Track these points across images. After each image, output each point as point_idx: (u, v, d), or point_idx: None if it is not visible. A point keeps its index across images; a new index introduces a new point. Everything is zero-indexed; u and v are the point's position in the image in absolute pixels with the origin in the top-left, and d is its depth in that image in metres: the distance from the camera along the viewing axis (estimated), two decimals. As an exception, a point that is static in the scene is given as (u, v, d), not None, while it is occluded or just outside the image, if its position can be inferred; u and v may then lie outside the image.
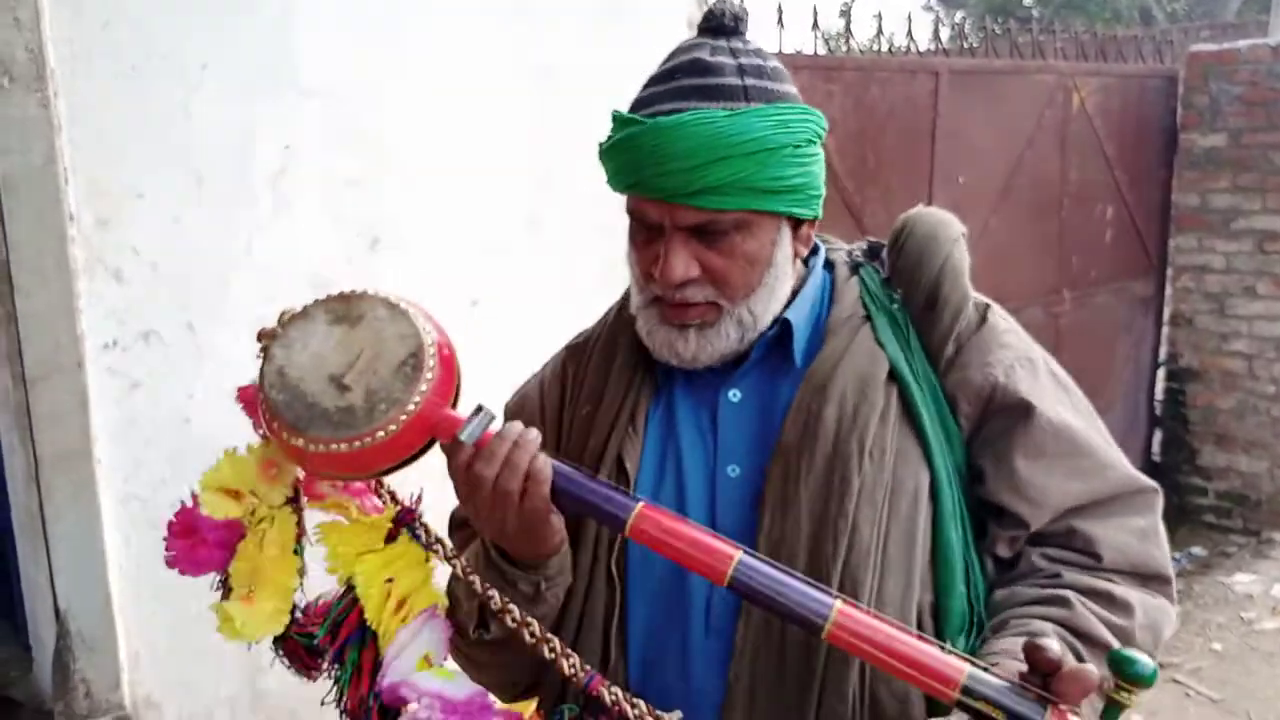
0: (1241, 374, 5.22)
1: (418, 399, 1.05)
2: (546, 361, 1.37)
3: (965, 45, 6.07)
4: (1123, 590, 1.12)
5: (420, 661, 1.10)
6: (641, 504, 1.03)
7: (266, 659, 1.26)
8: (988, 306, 1.21)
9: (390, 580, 1.13)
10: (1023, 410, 1.14)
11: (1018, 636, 1.02)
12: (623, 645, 1.17)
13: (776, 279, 1.15)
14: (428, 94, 2.57)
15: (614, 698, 1.03)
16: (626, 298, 1.24)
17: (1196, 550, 5.15)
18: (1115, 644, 1.06)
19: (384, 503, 1.18)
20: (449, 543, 1.15)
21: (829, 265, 1.27)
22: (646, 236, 1.13)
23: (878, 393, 1.14)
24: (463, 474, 1.07)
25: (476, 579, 1.10)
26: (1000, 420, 1.16)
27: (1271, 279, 5.09)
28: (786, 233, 1.14)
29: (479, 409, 1.07)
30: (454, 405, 1.11)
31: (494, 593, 1.09)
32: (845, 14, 4.18)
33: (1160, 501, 1.20)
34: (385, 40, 2.51)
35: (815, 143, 1.13)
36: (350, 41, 2.46)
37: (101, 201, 2.15)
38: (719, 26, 1.13)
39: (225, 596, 1.17)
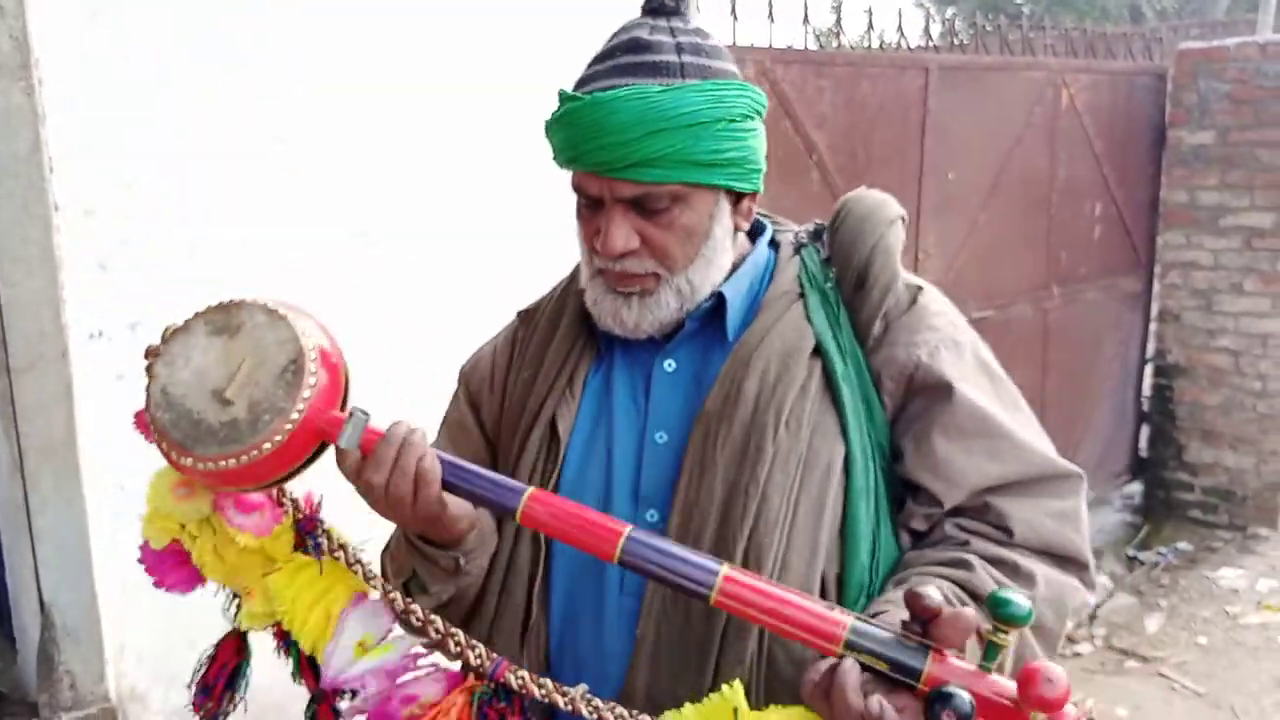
0: (1228, 370, 5.24)
1: (301, 406, 1.04)
2: (504, 326, 1.40)
3: (955, 41, 6.08)
4: (1028, 563, 1.14)
5: (356, 649, 1.12)
6: (530, 491, 1.05)
7: (253, 653, 1.26)
8: (920, 288, 1.23)
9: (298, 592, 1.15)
10: (944, 390, 1.16)
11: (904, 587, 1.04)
12: (545, 604, 1.21)
13: (715, 251, 1.18)
14: (411, 89, 2.56)
15: (520, 681, 1.05)
16: (579, 269, 1.27)
17: (1182, 545, 5.18)
18: None
19: (285, 511, 1.17)
20: (351, 548, 1.17)
21: (774, 244, 1.29)
22: (589, 210, 1.17)
23: (800, 367, 1.16)
24: (354, 480, 1.09)
25: (389, 565, 1.21)
26: (921, 399, 1.18)
27: (1259, 275, 5.12)
28: (725, 206, 1.17)
29: (352, 412, 1.07)
30: (343, 407, 1.10)
31: (396, 595, 1.13)
32: (836, 9, 4.17)
33: (1084, 488, 1.22)
34: (374, 32, 2.50)
35: (753, 118, 1.15)
36: (338, 31, 2.44)
37: (87, 191, 2.13)
38: (659, 7, 1.16)
39: (238, 601, 1.21)
